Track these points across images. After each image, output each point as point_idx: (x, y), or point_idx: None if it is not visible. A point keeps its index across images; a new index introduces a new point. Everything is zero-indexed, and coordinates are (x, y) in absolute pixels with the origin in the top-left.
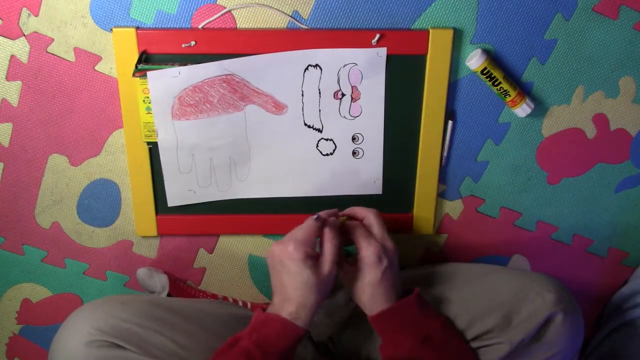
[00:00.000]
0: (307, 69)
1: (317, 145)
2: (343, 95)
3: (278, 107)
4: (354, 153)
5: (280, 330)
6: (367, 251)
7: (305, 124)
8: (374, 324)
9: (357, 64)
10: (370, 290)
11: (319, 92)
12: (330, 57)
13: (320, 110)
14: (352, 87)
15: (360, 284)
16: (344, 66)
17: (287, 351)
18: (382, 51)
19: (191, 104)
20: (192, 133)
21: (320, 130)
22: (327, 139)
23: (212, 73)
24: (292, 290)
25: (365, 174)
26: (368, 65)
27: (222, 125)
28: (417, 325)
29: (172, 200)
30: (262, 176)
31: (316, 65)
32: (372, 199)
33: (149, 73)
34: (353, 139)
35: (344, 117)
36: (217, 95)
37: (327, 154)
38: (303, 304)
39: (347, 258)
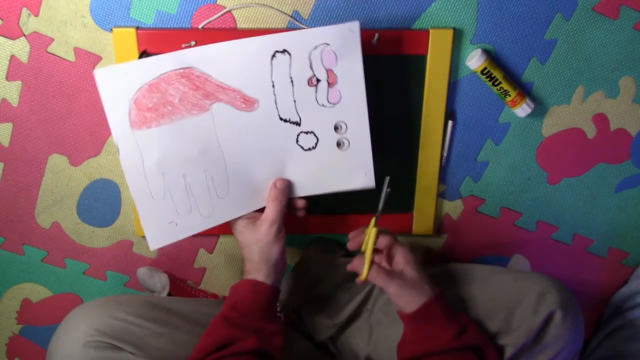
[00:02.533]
0: (274, 55)
1: (297, 140)
2: (318, 80)
3: (248, 103)
4: (338, 144)
5: (250, 290)
6: (405, 253)
7: (281, 119)
8: (415, 318)
9: (329, 44)
10: (413, 287)
11: (291, 81)
12: (299, 40)
13: (295, 101)
14: (326, 70)
15: (402, 283)
16: (315, 48)
17: (262, 308)
18: (355, 26)
19: (150, 107)
20: (156, 144)
21: (298, 124)
22: (307, 132)
23: (168, 67)
24: (242, 251)
25: (354, 166)
26: (342, 44)
27: (188, 130)
28: (454, 317)
29: (154, 241)
30: (244, 187)
31: (284, 51)
32: (367, 197)
33: (95, 71)
34: (336, 128)
35: (323, 105)
36: (177, 94)
37: (309, 149)
38: (251, 259)
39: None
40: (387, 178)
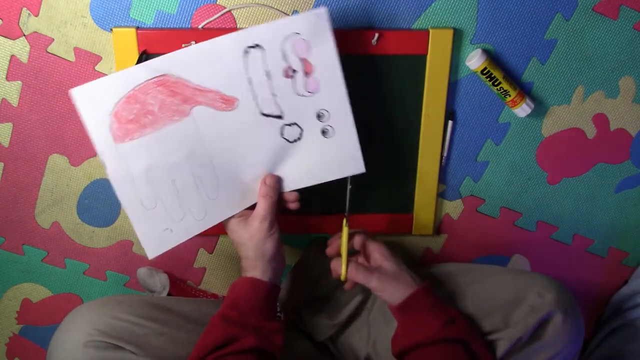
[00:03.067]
0: (246, 51)
1: (282, 134)
2: (294, 71)
3: (227, 102)
4: (323, 132)
5: (248, 288)
6: (381, 247)
7: (263, 114)
8: (402, 309)
9: (299, 34)
10: (394, 279)
11: (268, 75)
12: (268, 33)
13: (274, 95)
14: (301, 60)
15: (382, 276)
16: (286, 39)
17: (260, 306)
18: (322, 12)
19: (130, 119)
20: (141, 154)
21: (280, 117)
22: (290, 124)
23: (141, 78)
24: (238, 249)
25: (342, 152)
26: (312, 32)
27: (172, 136)
28: (441, 308)
29: (152, 250)
30: (235, 186)
31: (255, 46)
32: (366, 196)
33: (71, 90)
34: (318, 116)
35: (302, 95)
36: (156, 103)
37: (294, 140)
38: (247, 257)
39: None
40: (349, 177)
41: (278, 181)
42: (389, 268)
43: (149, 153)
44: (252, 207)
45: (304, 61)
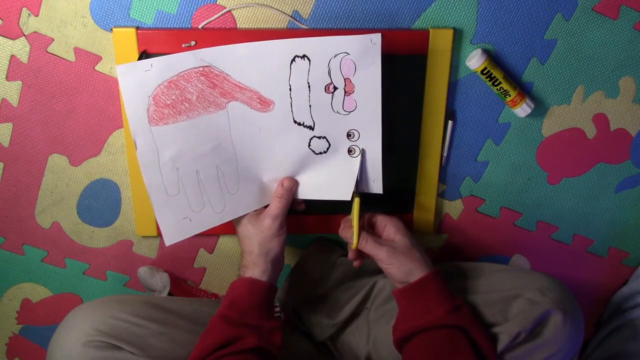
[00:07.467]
0: (293, 60)
1: (310, 144)
2: (335, 88)
3: (264, 104)
4: (349, 151)
5: (247, 288)
6: (396, 221)
7: (295, 122)
8: (408, 292)
9: (349, 54)
10: (403, 254)
11: (309, 86)
12: (319, 47)
13: (310, 106)
14: (344, 79)
15: (392, 249)
16: (335, 56)
17: (260, 306)
18: (377, 38)
19: (168, 103)
20: (172, 140)
21: (312, 128)
22: (319, 137)
23: (188, 65)
24: (242, 243)
25: (363, 173)
26: (362, 55)
27: (203, 127)
28: (448, 295)
29: (170, 237)
30: (254, 184)
31: (303, 56)
32: (367, 197)
33: (118, 66)
34: (348, 135)
35: (337, 112)
36: (195, 92)
37: (320, 153)
38: (250, 252)
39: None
40: (362, 148)
41: (295, 185)
42: (400, 242)
43: (179, 140)
44: (265, 208)
45: (347, 81)
